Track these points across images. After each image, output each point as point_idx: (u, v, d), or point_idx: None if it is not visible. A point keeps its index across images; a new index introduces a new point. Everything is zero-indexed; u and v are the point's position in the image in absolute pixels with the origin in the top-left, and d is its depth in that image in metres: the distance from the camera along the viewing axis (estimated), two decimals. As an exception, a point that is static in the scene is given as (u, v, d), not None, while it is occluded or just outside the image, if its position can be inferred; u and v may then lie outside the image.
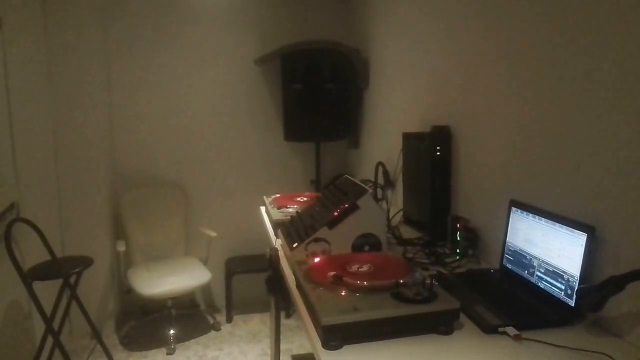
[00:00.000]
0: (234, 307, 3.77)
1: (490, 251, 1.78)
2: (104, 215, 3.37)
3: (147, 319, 3.60)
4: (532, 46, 1.53)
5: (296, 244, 1.59)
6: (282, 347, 3.24)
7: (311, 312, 1.21)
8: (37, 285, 2.42)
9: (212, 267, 3.62)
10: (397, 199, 2.62)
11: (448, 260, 1.76)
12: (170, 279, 3.15)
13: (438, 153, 2.03)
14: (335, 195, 1.81)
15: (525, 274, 1.48)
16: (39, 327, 2.65)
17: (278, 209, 2.16)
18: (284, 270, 1.63)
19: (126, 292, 3.25)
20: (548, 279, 1.37)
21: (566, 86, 1.38)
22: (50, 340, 2.60)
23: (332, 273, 1.30)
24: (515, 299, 1.40)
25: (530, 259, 1.46)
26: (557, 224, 1.35)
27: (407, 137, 2.31)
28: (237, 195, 3.81)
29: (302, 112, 3.43)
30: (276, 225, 1.97)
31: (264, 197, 2.45)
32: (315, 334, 1.15)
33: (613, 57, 1.21)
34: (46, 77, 3.09)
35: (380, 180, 2.68)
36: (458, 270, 1.67)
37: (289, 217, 1.92)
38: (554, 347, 1.12)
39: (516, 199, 1.59)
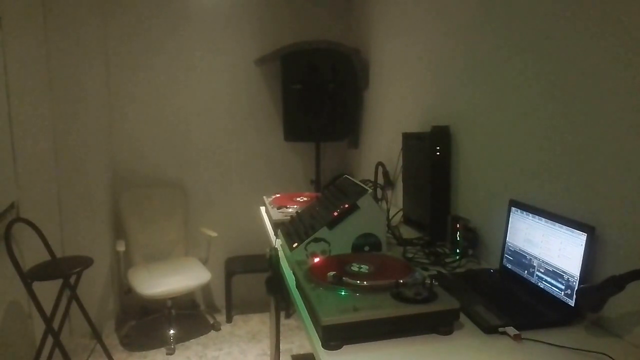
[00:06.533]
0: (234, 307, 3.78)
1: (490, 251, 1.78)
2: (104, 215, 3.37)
3: (147, 319, 3.60)
4: (532, 46, 1.53)
5: (296, 244, 1.59)
6: (282, 347, 3.24)
7: (311, 312, 1.21)
8: (37, 285, 2.41)
9: (212, 267, 3.63)
10: (397, 199, 2.62)
11: (448, 260, 1.76)
12: (170, 279, 3.15)
13: (438, 153, 2.03)
14: (335, 195, 1.81)
15: (525, 274, 1.48)
16: (39, 327, 2.65)
17: (278, 209, 2.16)
18: (284, 270, 1.63)
19: (126, 292, 3.25)
20: (548, 279, 1.37)
21: (566, 86, 1.39)
22: (50, 340, 2.60)
23: (332, 273, 1.30)
24: (515, 299, 1.40)
25: (530, 259, 1.46)
26: (557, 224, 1.35)
27: (407, 137, 2.31)
28: (237, 195, 3.81)
29: (302, 112, 3.43)
30: (276, 225, 1.97)
31: (264, 197, 2.45)
32: (315, 334, 1.15)
33: (614, 55, 1.21)
34: (46, 77, 3.09)
35: (380, 180, 2.68)
36: (458, 270, 1.67)
37: (289, 217, 1.92)
38: (554, 347, 1.12)
39: (516, 199, 1.59)
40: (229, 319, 3.64)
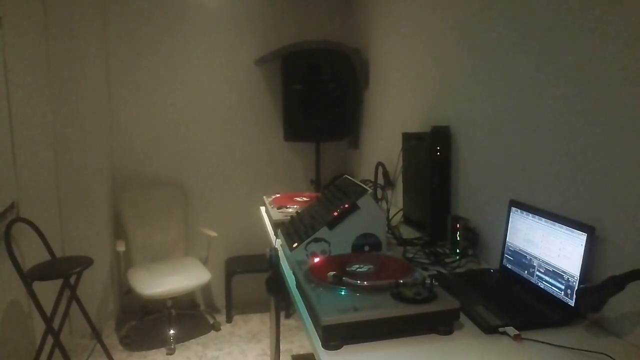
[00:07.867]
0: (234, 307, 3.77)
1: (490, 251, 1.78)
2: (104, 215, 3.37)
3: (147, 319, 3.60)
4: (532, 46, 1.53)
5: (296, 244, 1.59)
6: (282, 347, 3.24)
7: (311, 312, 1.21)
8: (37, 285, 2.41)
9: (212, 267, 3.63)
10: (397, 199, 2.62)
11: (448, 260, 1.76)
12: (170, 279, 3.15)
13: (438, 153, 2.03)
14: (335, 195, 1.81)
15: (525, 274, 1.48)
16: (39, 327, 2.65)
17: (278, 209, 2.16)
18: (284, 270, 1.63)
19: (126, 292, 3.25)
20: (548, 279, 1.37)
21: (565, 86, 1.39)
22: (50, 340, 2.60)
23: (332, 273, 1.30)
24: (515, 299, 1.40)
25: (530, 259, 1.46)
26: (557, 224, 1.35)
27: (407, 137, 2.31)
28: (237, 195, 3.81)
29: (302, 112, 3.43)
30: (276, 225, 1.97)
31: (264, 197, 2.45)
32: (315, 334, 1.15)
33: (615, 55, 1.21)
34: (46, 77, 3.09)
35: (380, 180, 2.68)
36: (458, 270, 1.67)
37: (289, 217, 1.92)
38: (554, 347, 1.12)
39: (516, 199, 1.59)
40: (229, 319, 3.64)
